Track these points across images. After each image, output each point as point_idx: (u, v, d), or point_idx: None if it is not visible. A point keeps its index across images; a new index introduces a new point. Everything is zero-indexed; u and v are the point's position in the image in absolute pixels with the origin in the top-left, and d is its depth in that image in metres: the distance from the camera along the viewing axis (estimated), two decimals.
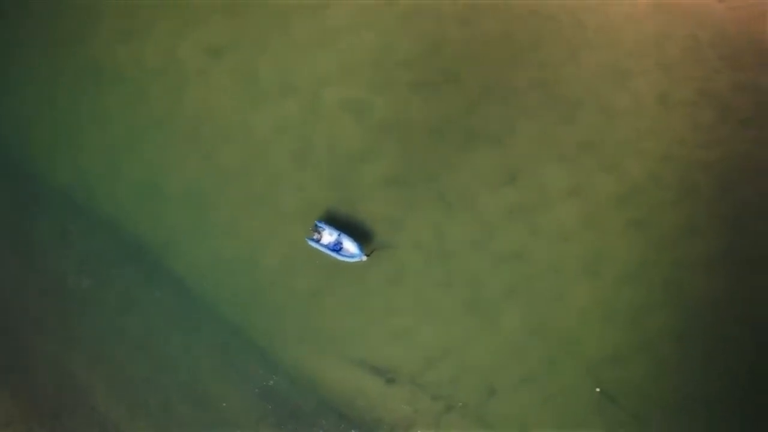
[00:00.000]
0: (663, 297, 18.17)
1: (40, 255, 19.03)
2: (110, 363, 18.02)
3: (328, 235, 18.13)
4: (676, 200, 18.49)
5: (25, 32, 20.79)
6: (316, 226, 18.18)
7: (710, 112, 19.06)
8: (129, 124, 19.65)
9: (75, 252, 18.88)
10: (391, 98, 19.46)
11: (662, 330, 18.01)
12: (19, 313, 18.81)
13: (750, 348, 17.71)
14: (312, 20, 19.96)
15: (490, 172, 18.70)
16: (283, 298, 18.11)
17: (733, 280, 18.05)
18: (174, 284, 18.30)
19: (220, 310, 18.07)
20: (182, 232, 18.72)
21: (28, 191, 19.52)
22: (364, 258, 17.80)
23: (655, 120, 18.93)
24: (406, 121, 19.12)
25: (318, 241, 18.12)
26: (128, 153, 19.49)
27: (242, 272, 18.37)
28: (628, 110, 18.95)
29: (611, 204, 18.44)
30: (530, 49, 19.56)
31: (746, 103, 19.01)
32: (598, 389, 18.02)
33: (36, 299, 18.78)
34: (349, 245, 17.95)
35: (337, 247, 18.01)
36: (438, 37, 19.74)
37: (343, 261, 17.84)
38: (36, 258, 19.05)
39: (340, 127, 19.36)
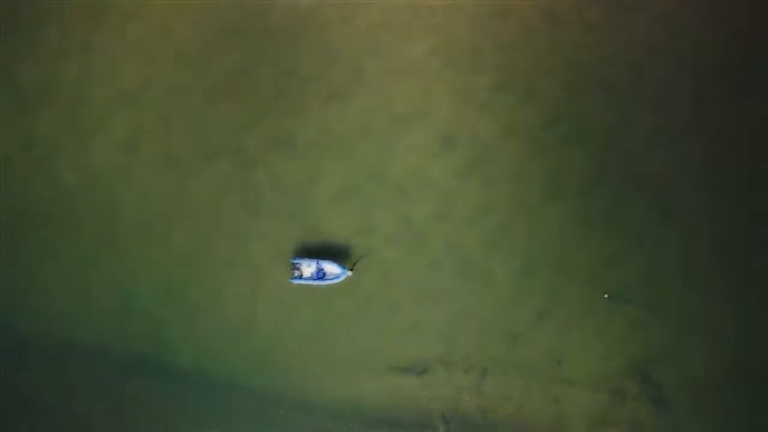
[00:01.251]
0: (631, 188, 18.93)
1: (40, 398, 18.67)
2: None
3: (308, 267, 18.34)
4: (600, 101, 19.29)
5: None
6: (292, 264, 18.36)
7: (597, 10, 19.84)
8: (79, 250, 19.30)
9: (76, 385, 18.54)
10: (306, 117, 19.67)
11: (643, 218, 18.83)
12: None
13: (730, 194, 18.64)
14: (201, 75, 20.02)
15: (426, 145, 19.14)
16: (292, 343, 18.27)
17: (681, 143, 18.95)
18: (186, 377, 18.24)
19: (240, 381, 18.12)
20: (173, 326, 18.61)
21: (9, 347, 19.03)
22: (350, 273, 18.09)
23: (549, 36, 19.61)
24: (330, 131, 19.38)
25: (301, 277, 18.31)
26: (89, 277, 19.14)
27: (244, 338, 18.40)
28: (521, 39, 19.58)
29: (545, 128, 19.12)
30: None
31: None
32: (606, 296, 18.79)
33: None
34: (331, 268, 18.20)
35: (320, 275, 18.24)
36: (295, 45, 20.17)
37: (332, 284, 18.11)
38: (37, 401, 18.67)
39: (274, 163, 19.52)
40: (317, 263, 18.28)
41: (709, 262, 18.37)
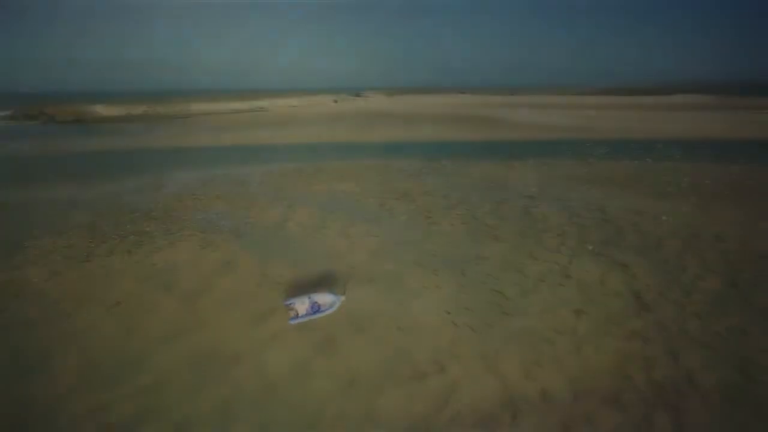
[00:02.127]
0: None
1: None
2: None
3: (302, 305, 18.27)
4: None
5: None
6: (286, 306, 18.33)
7: None
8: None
9: None
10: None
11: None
12: None
13: None
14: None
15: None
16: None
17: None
18: None
19: None
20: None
21: None
22: (343, 298, 18.15)
23: None
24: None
25: (297, 316, 18.24)
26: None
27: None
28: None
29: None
30: None
31: None
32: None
33: None
34: (324, 298, 18.22)
35: (316, 308, 18.19)
36: None
37: (330, 313, 18.06)
38: None
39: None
40: (309, 298, 18.30)
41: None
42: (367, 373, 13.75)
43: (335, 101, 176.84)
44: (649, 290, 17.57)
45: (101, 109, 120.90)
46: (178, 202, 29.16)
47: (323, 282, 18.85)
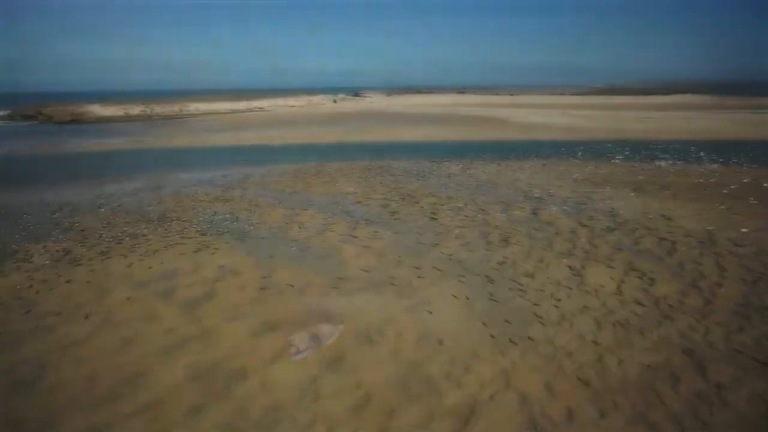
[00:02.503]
0: None
1: None
2: None
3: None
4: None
5: None
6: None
7: None
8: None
9: None
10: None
11: None
12: None
13: None
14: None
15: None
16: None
17: None
18: None
19: None
20: None
21: None
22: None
23: None
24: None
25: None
26: None
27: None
28: None
29: None
30: None
31: None
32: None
33: None
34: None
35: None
36: None
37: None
38: None
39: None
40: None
41: None
42: (381, 391, 12.92)
43: (335, 101, 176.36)
44: (669, 298, 16.85)
45: (99, 109, 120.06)
46: (176, 204, 28.47)
47: (326, 286, 18.05)
